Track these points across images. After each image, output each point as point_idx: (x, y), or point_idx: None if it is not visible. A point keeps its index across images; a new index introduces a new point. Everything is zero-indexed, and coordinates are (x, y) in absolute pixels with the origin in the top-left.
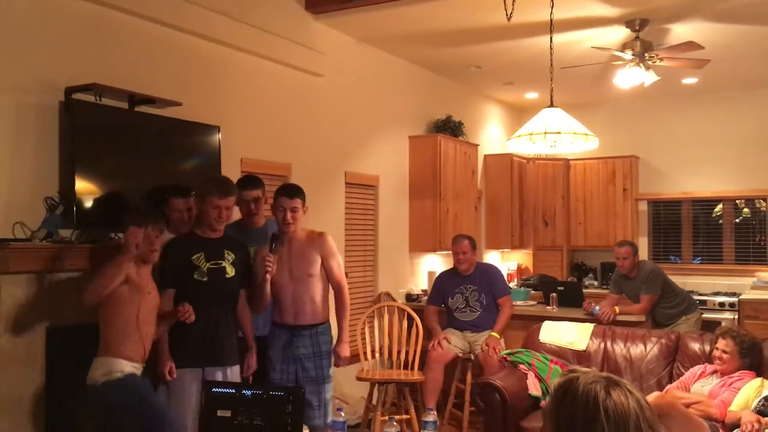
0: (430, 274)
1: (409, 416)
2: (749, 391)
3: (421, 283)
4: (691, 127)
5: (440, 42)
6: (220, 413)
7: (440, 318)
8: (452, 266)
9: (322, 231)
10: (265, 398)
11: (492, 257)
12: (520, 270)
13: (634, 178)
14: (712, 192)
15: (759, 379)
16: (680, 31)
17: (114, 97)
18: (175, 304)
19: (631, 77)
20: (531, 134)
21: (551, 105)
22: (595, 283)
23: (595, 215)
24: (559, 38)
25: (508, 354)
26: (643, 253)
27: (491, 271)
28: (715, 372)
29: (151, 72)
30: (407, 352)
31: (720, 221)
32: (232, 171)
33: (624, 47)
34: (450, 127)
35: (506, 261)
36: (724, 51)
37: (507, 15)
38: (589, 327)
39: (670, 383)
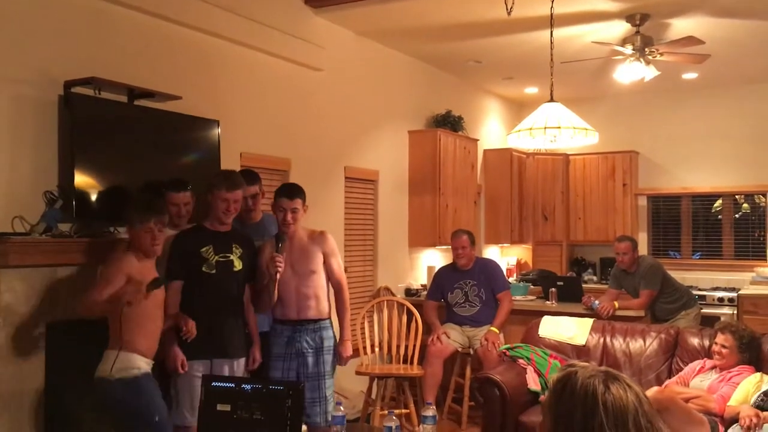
0: (430, 268)
1: (408, 411)
2: (748, 386)
3: (420, 278)
4: (691, 122)
5: (440, 36)
6: (219, 407)
7: (439, 313)
8: (451, 261)
9: (323, 230)
10: (265, 392)
11: (491, 252)
12: (519, 265)
13: (633, 173)
14: (711, 187)
15: (758, 374)
16: (680, 26)
17: (113, 91)
18: (182, 297)
19: (631, 72)
20: (531, 129)
21: (551, 100)
22: (595, 278)
23: (595, 210)
24: (560, 33)
25: (508, 349)
26: (643, 249)
27: (490, 266)
28: (714, 367)
29: (150, 66)
30: (406, 347)
31: (719, 216)
32: (231, 165)
33: (624, 42)
34: (450, 122)
35: (505, 256)
36: (724, 46)
37: (507, 9)
38: (588, 322)
39: (670, 378)
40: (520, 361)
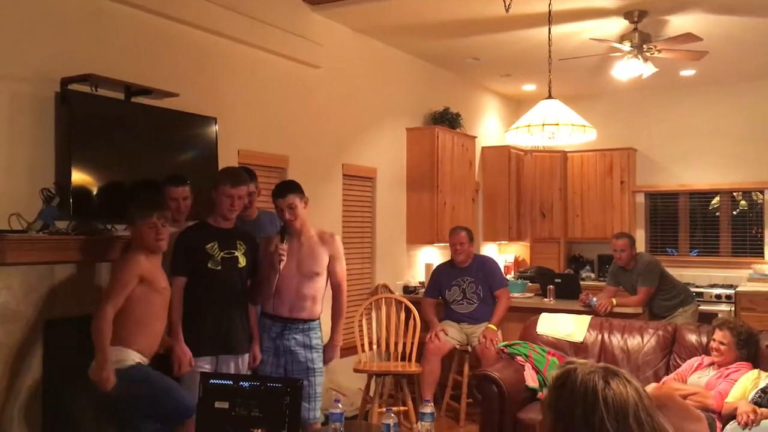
0: (428, 266)
1: (406, 408)
2: (746, 382)
3: (418, 275)
4: (688, 119)
5: (438, 33)
6: (217, 404)
7: (438, 310)
8: (449, 258)
9: (333, 232)
10: (263, 390)
11: (489, 249)
12: (517, 262)
13: (631, 170)
14: (709, 184)
15: (756, 371)
16: (678, 23)
17: (110, 88)
18: (185, 294)
19: (629, 69)
20: (529, 126)
21: (549, 97)
22: (592, 275)
23: (593, 207)
24: (558, 30)
25: (505, 346)
26: (641, 246)
27: (488, 263)
28: (712, 364)
29: (147, 63)
30: (404, 344)
31: (717, 213)
32: (229, 162)
33: (622, 39)
34: (447, 119)
35: (503, 253)
36: (722, 43)
37: (505, 6)
38: (586, 319)
39: (667, 375)
40: (518, 358)
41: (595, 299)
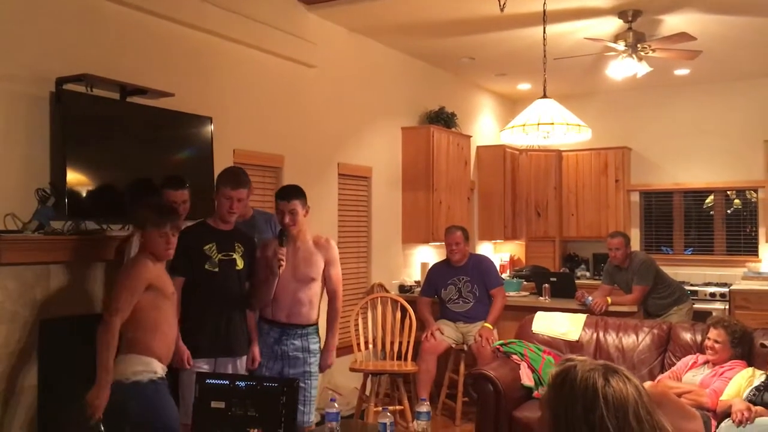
0: (423, 265)
1: (402, 407)
2: (741, 380)
3: (414, 275)
4: (683, 118)
5: (433, 33)
6: (214, 404)
7: (433, 309)
8: (445, 257)
9: (328, 237)
10: (259, 390)
11: (485, 248)
12: (512, 261)
13: (626, 169)
14: (703, 183)
15: (750, 369)
16: (673, 23)
17: (105, 88)
18: (183, 294)
19: (623, 68)
20: (524, 125)
21: (544, 96)
22: (588, 273)
23: (588, 206)
24: (552, 29)
25: (501, 345)
26: (635, 244)
27: (484, 262)
28: (706, 362)
29: (142, 62)
30: (400, 343)
31: (711, 212)
32: (224, 162)
33: (617, 38)
34: (443, 119)
35: (499, 252)
36: (716, 42)
37: (500, 6)
38: (581, 317)
39: (662, 373)
40: (514, 356)
41: (590, 298)
